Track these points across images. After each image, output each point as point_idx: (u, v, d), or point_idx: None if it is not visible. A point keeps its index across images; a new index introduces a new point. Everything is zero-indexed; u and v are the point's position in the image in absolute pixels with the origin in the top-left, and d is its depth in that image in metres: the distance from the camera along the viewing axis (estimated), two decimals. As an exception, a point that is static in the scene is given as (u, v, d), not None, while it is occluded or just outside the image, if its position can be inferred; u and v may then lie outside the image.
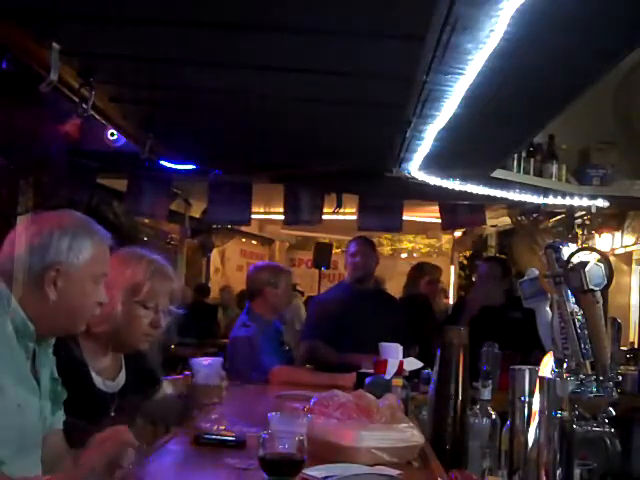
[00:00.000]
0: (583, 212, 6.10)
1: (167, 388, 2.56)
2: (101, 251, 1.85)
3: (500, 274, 4.63)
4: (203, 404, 2.31)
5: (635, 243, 6.71)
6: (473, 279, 8.28)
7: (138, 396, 2.31)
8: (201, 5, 2.33)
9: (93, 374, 2.21)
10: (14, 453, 1.61)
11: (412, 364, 3.14)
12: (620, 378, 1.81)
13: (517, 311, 4.29)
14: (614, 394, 1.76)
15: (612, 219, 6.67)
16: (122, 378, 2.32)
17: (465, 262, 9.69)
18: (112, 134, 4.04)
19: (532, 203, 5.59)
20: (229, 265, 10.62)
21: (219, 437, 2.10)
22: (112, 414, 2.18)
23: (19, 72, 2.77)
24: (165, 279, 2.35)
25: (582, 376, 1.78)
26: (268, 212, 8.03)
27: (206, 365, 2.38)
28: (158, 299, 2.31)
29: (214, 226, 7.24)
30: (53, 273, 1.74)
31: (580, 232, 6.60)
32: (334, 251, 10.83)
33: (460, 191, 5.11)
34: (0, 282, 1.71)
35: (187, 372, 2.52)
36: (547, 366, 1.89)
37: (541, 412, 1.78)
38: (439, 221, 6.16)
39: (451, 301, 9.43)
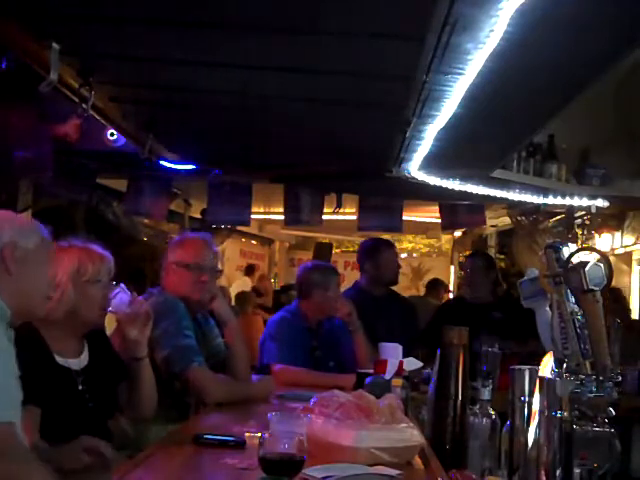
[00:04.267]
0: (583, 212, 6.10)
1: None
2: (46, 239, 2.07)
3: (484, 267, 4.65)
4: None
5: (635, 243, 6.72)
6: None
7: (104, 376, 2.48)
8: (201, 5, 2.33)
9: (55, 355, 2.36)
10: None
11: (412, 364, 3.13)
12: (620, 378, 1.81)
13: (500, 312, 4.33)
14: (614, 394, 1.76)
15: (612, 219, 6.68)
16: (85, 358, 2.47)
17: (465, 262, 9.67)
18: (112, 134, 4.03)
19: (532, 203, 5.59)
20: (229, 265, 10.60)
21: (219, 437, 2.10)
22: (80, 387, 2.36)
23: (19, 72, 2.77)
24: (101, 258, 2.53)
25: (582, 376, 1.78)
26: (268, 212, 8.03)
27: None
28: (102, 275, 2.49)
29: (213, 226, 7.24)
30: (11, 250, 1.94)
31: (580, 232, 6.60)
32: (334, 251, 10.81)
33: (460, 191, 5.11)
34: None
35: None
36: (547, 366, 1.90)
37: (541, 412, 1.78)
38: (439, 221, 6.17)
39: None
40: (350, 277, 4.67)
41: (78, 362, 2.42)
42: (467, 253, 9.53)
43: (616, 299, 5.06)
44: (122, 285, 2.55)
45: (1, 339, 1.82)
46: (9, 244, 1.94)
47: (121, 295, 2.54)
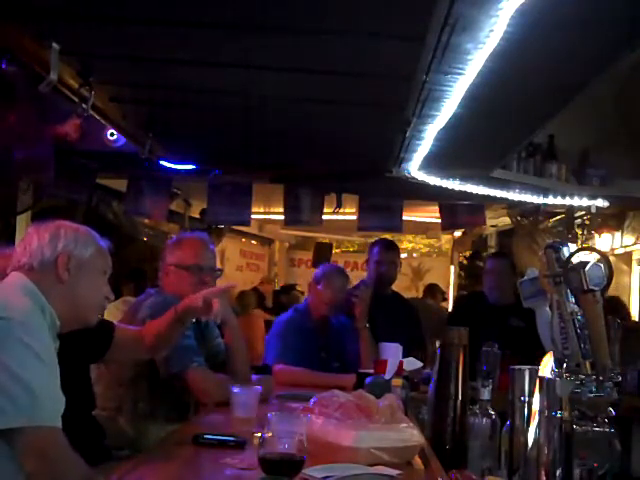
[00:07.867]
0: (583, 212, 6.11)
1: None
2: (103, 249, 2.10)
3: (510, 269, 4.55)
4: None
5: (635, 243, 6.71)
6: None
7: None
8: (201, 5, 2.33)
9: None
10: None
11: (412, 364, 3.13)
12: (620, 378, 1.81)
13: (520, 320, 4.23)
14: (614, 394, 1.76)
15: (612, 219, 6.68)
16: None
17: (465, 262, 9.70)
18: (112, 134, 4.03)
19: (532, 203, 5.60)
20: (229, 265, 10.59)
21: (219, 437, 2.10)
22: None
23: (19, 72, 2.77)
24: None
25: (582, 376, 1.78)
26: (268, 212, 8.02)
27: (245, 395, 2.38)
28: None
29: (212, 226, 7.24)
30: (65, 258, 1.97)
31: (580, 232, 6.60)
32: (334, 251, 10.79)
33: (460, 191, 5.11)
34: (28, 281, 1.91)
35: None
36: (547, 366, 1.89)
37: (541, 412, 1.78)
38: (439, 221, 6.16)
39: (450, 302, 9.47)
40: (351, 277, 4.63)
41: None
42: (468, 254, 9.56)
43: (614, 308, 4.99)
44: None
45: (49, 349, 1.84)
46: (63, 253, 1.97)
47: None
